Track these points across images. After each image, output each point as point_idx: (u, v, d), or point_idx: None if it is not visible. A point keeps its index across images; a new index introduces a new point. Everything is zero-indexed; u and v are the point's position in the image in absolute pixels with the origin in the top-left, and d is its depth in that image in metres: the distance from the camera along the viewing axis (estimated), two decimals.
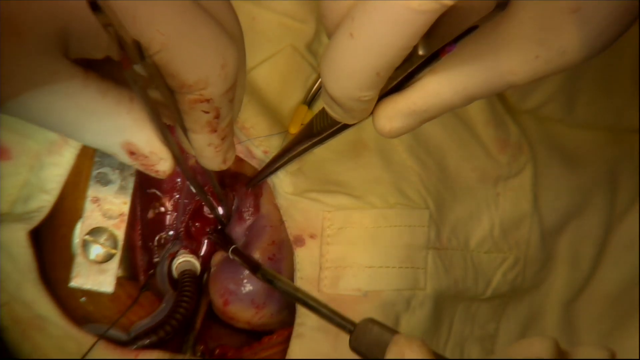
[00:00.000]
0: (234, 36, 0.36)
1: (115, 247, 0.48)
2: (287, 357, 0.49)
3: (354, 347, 0.40)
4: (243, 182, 0.52)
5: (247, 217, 0.52)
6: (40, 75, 0.32)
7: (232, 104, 0.37)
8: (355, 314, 0.47)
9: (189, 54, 0.33)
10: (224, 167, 0.40)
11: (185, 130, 0.38)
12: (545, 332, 0.57)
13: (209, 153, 0.38)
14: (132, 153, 0.37)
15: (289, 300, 0.51)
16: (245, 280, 0.50)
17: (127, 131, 0.36)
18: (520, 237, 0.56)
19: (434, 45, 0.32)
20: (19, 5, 0.30)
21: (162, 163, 0.38)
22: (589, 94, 0.57)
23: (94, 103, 0.34)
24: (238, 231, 0.52)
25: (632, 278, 0.57)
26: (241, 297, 0.50)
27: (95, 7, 0.29)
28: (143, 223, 0.52)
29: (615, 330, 0.56)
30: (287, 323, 0.52)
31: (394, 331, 0.38)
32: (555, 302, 0.58)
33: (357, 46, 0.31)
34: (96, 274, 0.48)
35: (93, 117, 0.35)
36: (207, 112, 0.36)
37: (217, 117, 0.36)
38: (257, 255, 0.50)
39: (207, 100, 0.35)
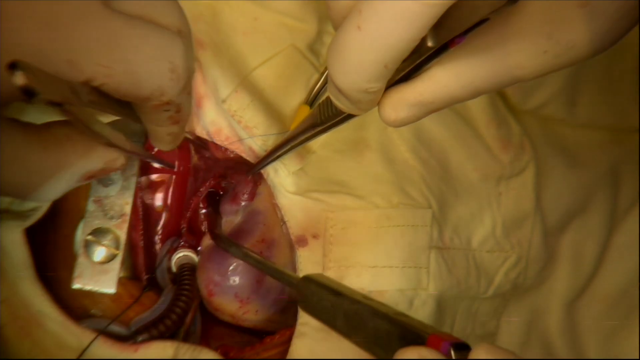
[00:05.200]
0: (181, 32, 0.37)
1: (117, 247, 0.48)
2: (288, 357, 0.49)
3: (301, 307, 0.42)
4: (243, 170, 0.51)
5: (242, 200, 0.52)
6: None
7: (190, 95, 0.38)
8: None
9: (135, 74, 0.34)
10: (174, 148, 0.42)
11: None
12: (547, 330, 0.58)
13: (167, 140, 0.40)
14: (91, 177, 0.38)
15: (276, 300, 0.51)
16: (229, 273, 0.50)
17: (79, 167, 0.37)
18: (522, 236, 0.56)
19: (443, 37, 0.31)
20: None
21: (117, 162, 0.39)
22: (590, 94, 0.57)
23: (40, 162, 0.36)
24: (227, 208, 0.52)
25: (634, 277, 0.57)
26: (225, 289, 0.50)
27: (13, 66, 0.27)
28: (145, 223, 0.52)
29: (618, 329, 0.56)
30: (279, 322, 0.52)
31: (332, 290, 0.40)
32: (558, 301, 0.58)
33: (365, 39, 0.30)
34: (98, 274, 0.48)
35: (45, 175, 0.36)
36: (168, 110, 0.37)
37: (178, 111, 0.38)
38: None
39: (167, 103, 0.36)
